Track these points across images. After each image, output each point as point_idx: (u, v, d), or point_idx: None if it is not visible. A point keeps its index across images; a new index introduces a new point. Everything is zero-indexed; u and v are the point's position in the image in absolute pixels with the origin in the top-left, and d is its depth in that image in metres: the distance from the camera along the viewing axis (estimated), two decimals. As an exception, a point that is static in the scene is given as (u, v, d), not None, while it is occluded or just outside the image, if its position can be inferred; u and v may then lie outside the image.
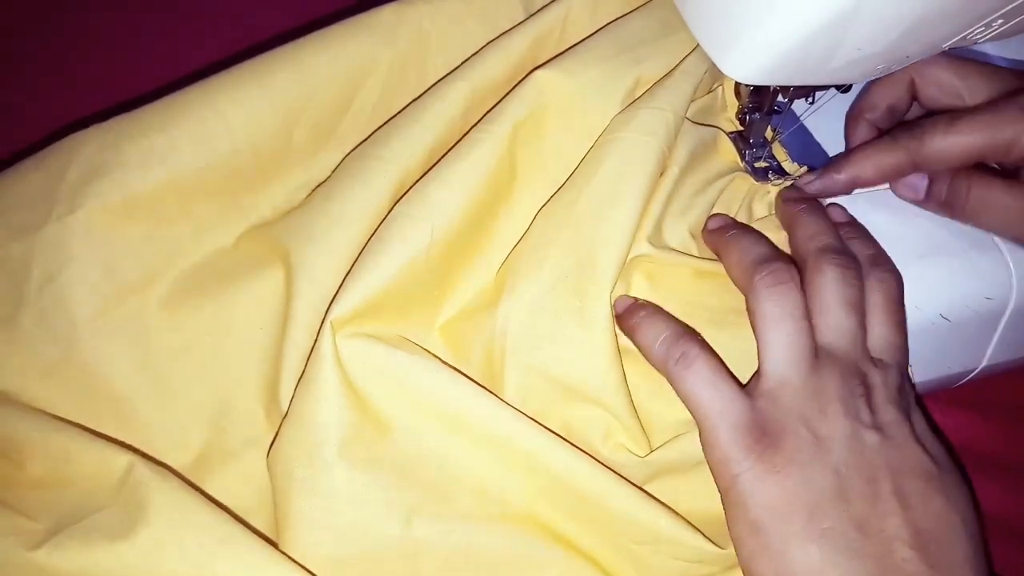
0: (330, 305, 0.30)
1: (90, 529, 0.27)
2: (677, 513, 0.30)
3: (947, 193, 0.35)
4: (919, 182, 0.35)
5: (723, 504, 0.29)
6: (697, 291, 0.34)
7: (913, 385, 0.32)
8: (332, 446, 0.29)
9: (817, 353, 0.30)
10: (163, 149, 0.32)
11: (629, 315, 0.32)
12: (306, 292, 0.31)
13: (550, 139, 0.34)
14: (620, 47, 0.35)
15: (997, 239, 0.37)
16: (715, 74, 0.36)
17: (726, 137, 0.37)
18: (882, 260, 0.33)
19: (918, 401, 0.32)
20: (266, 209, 0.35)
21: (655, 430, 0.32)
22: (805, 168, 0.37)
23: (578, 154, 0.34)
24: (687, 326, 0.31)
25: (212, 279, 0.33)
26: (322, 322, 0.29)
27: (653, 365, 0.31)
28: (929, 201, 0.35)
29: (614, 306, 0.32)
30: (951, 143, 0.33)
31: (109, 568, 0.26)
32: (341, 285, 0.30)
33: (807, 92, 0.38)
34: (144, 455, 0.30)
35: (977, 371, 0.40)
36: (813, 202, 0.35)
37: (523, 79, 0.34)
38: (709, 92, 0.38)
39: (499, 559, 0.30)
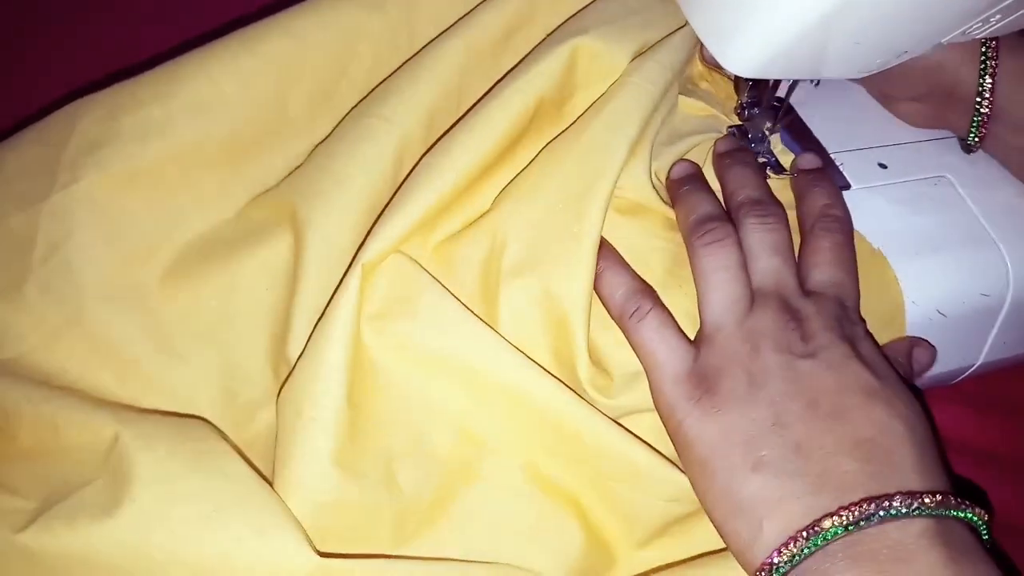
0: (359, 249, 0.30)
1: (76, 507, 0.27)
2: (653, 448, 0.31)
3: None
4: None
5: (675, 450, 0.30)
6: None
7: (862, 319, 0.32)
8: (341, 388, 0.29)
9: (753, 299, 0.31)
10: (160, 120, 0.32)
11: (597, 264, 0.33)
12: (315, 247, 0.31)
13: (567, 90, 0.35)
14: (629, 11, 0.36)
15: (994, 235, 0.37)
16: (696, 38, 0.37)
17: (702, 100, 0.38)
18: (833, 209, 0.34)
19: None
20: (267, 178, 0.35)
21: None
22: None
23: (588, 102, 0.35)
24: (643, 282, 0.32)
25: (217, 245, 0.33)
26: (349, 265, 0.30)
27: (610, 315, 0.32)
28: None
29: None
30: None
31: (96, 547, 0.26)
32: (372, 228, 0.31)
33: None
34: (147, 411, 0.30)
35: (974, 368, 0.40)
36: (741, 154, 0.36)
37: (550, 38, 0.35)
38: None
39: (476, 507, 0.31)
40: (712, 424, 0.29)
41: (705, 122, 0.38)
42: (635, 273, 0.32)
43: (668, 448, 0.31)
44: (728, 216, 0.33)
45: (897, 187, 0.38)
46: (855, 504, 0.26)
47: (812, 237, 0.33)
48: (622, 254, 0.33)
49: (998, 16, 0.31)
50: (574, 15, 0.36)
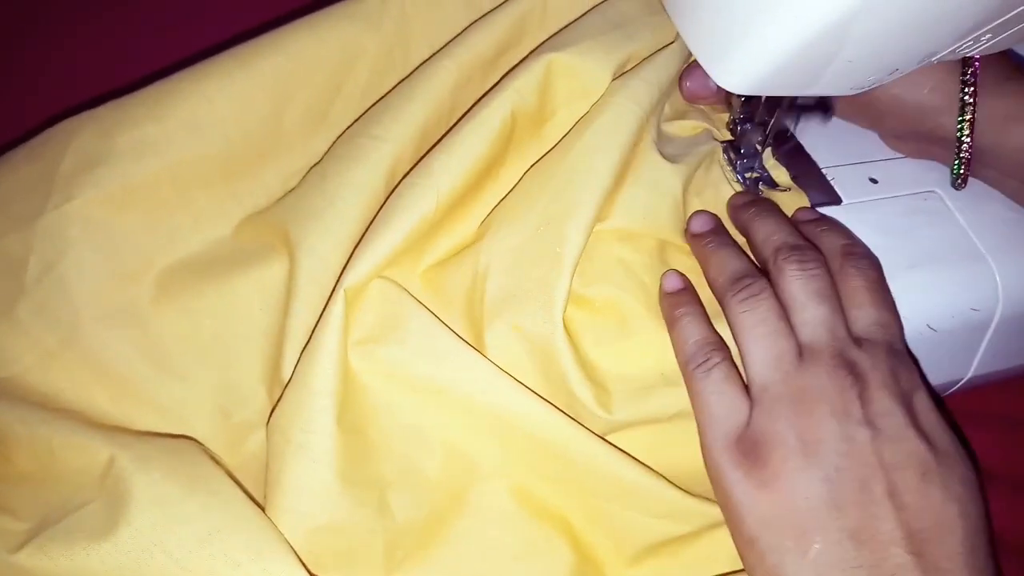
0: (342, 274, 0.30)
1: (72, 529, 0.27)
2: (644, 464, 0.31)
3: None
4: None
5: (723, 514, 0.29)
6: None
7: (914, 358, 0.32)
8: (330, 413, 0.29)
9: (801, 353, 0.30)
10: (155, 138, 0.32)
11: (674, 305, 0.32)
12: (307, 267, 0.31)
13: (548, 108, 0.35)
14: (612, 24, 0.36)
15: (984, 250, 0.38)
16: (684, 54, 0.37)
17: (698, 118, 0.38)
18: (855, 247, 0.33)
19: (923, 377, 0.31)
20: (262, 197, 0.35)
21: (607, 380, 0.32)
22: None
23: (571, 120, 0.35)
24: (718, 336, 0.31)
25: (212, 265, 0.33)
26: (333, 289, 0.30)
27: (677, 360, 0.31)
28: None
29: (663, 281, 0.33)
30: None
31: (93, 569, 0.26)
32: (354, 253, 0.31)
33: (793, 113, 0.39)
34: (142, 433, 0.30)
35: (963, 382, 0.40)
36: (763, 202, 0.35)
37: (531, 55, 0.35)
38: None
39: (466, 532, 0.31)
40: (762, 499, 0.28)
41: (698, 139, 0.38)
42: (711, 326, 0.32)
43: (665, 463, 0.31)
44: (758, 269, 0.32)
45: (888, 202, 0.39)
46: None
47: (845, 277, 0.32)
48: (614, 269, 0.33)
49: (989, 35, 0.31)
50: (561, 29, 0.36)
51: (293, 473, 0.28)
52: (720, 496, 0.29)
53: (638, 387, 0.31)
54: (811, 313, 0.30)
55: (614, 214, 0.33)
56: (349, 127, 0.35)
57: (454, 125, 0.34)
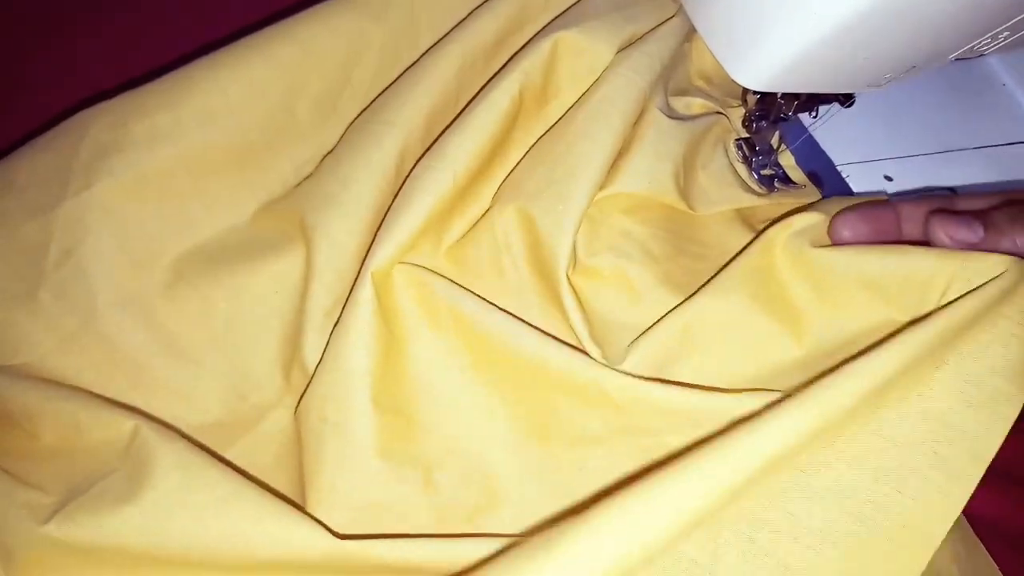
0: (366, 257, 0.31)
1: (97, 496, 0.27)
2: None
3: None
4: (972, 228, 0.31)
5: None
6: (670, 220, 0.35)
7: None
8: (366, 392, 0.29)
9: None
10: (169, 126, 0.33)
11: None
12: (325, 251, 0.32)
13: (552, 87, 0.36)
14: (614, 6, 0.36)
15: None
16: (683, 31, 0.37)
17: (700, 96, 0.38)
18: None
19: None
20: (276, 184, 0.35)
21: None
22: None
23: (575, 99, 0.35)
24: None
25: (226, 252, 0.34)
26: (358, 273, 0.31)
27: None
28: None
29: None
30: None
31: (118, 532, 0.27)
32: (377, 236, 0.31)
33: (811, 106, 0.39)
34: (160, 421, 0.30)
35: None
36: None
37: (536, 36, 0.35)
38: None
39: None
40: None
41: (704, 117, 0.38)
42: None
43: None
44: None
45: (902, 199, 0.39)
46: None
47: None
48: (620, 241, 0.33)
49: (1006, 33, 0.32)
50: (562, 13, 0.37)
51: (331, 453, 0.29)
52: None
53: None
54: None
55: (618, 180, 0.34)
56: (359, 115, 0.36)
57: (463, 108, 0.35)
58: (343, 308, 0.31)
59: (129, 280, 0.32)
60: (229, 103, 0.33)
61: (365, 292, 0.30)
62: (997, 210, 0.32)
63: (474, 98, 0.35)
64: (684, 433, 0.30)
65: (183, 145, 0.33)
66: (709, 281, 0.33)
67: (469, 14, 0.36)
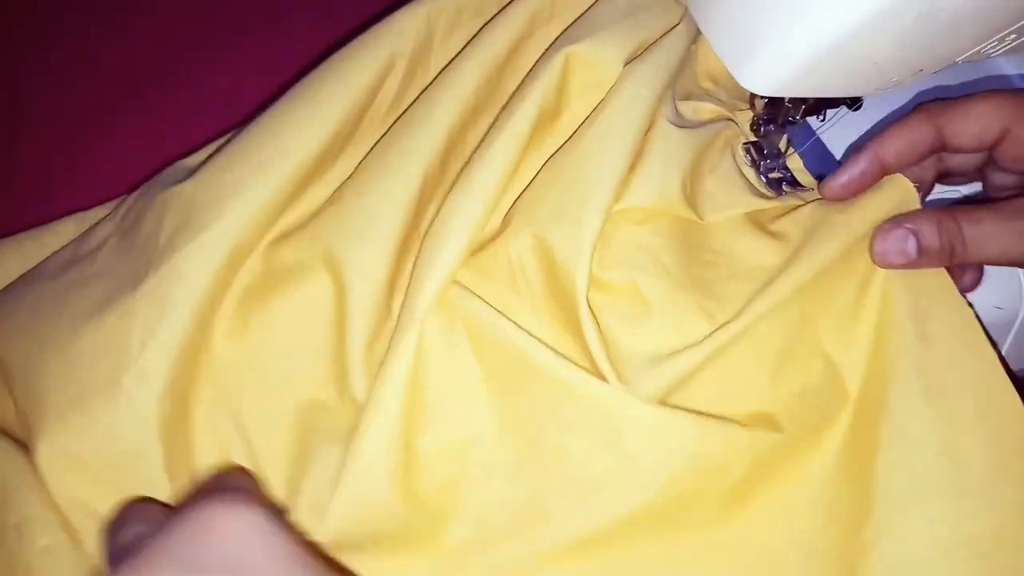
0: (407, 297, 0.32)
1: None
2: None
3: (940, 240, 0.32)
4: (907, 242, 0.33)
5: None
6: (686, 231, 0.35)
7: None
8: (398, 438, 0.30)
9: None
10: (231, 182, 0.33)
11: None
12: (357, 286, 0.32)
13: (563, 101, 0.36)
14: (622, 14, 0.36)
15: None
16: (691, 35, 0.37)
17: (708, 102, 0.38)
18: None
19: None
20: (290, 214, 0.35)
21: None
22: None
23: (586, 112, 0.35)
24: None
25: (256, 289, 0.34)
26: (404, 316, 0.31)
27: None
28: (924, 256, 0.33)
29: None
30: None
31: None
32: (414, 278, 0.32)
33: (818, 110, 0.39)
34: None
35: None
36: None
37: (547, 52, 0.35)
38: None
39: None
40: None
41: (713, 122, 0.38)
42: None
43: None
44: None
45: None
46: None
47: None
48: (633, 254, 0.33)
49: (1013, 36, 0.32)
50: (570, 25, 0.37)
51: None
52: None
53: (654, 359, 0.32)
54: None
55: (628, 194, 0.33)
56: (379, 140, 0.36)
57: (489, 130, 0.35)
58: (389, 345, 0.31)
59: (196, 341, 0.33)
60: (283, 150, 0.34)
61: (410, 342, 0.31)
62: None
63: (496, 120, 0.35)
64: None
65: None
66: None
67: (479, 30, 0.37)
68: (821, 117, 0.39)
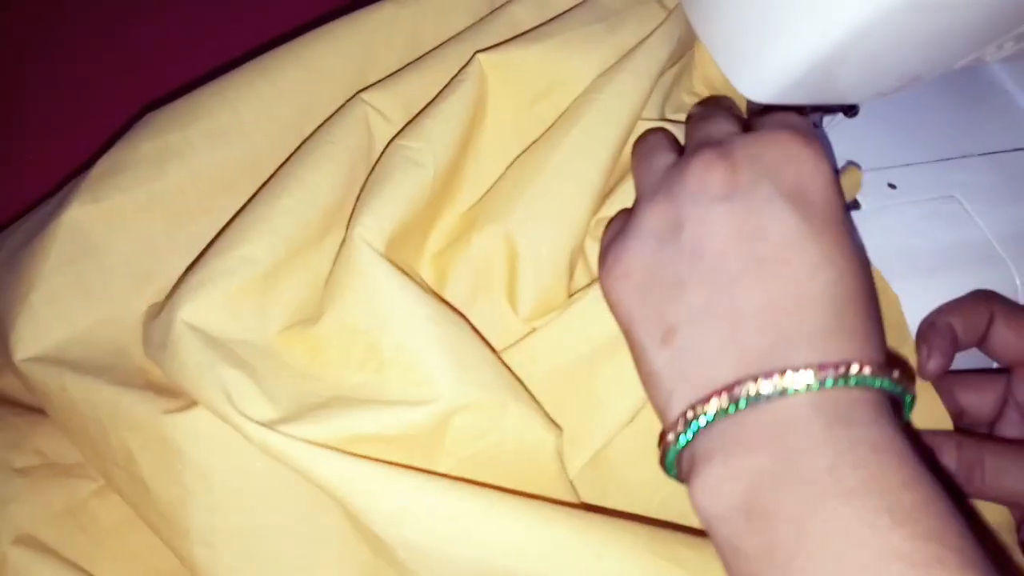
0: (352, 220, 0.30)
1: None
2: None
3: (959, 469, 0.31)
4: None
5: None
6: None
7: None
8: None
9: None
10: (179, 144, 0.33)
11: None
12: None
13: (524, 99, 0.35)
14: (597, 16, 0.36)
15: (1003, 253, 0.38)
16: (686, 44, 0.37)
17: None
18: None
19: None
20: None
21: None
22: None
23: (553, 114, 0.35)
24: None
25: None
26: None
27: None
28: None
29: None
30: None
31: None
32: (359, 202, 0.31)
33: (815, 116, 0.39)
34: None
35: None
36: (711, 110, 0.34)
37: (495, 46, 0.35)
38: (675, 64, 0.38)
39: None
40: (623, 291, 0.28)
41: None
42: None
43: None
44: None
45: (907, 207, 0.39)
46: (729, 387, 0.24)
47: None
48: None
49: (1011, 42, 0.32)
50: (545, 23, 0.36)
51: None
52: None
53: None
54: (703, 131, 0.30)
55: (606, 205, 0.33)
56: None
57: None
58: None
59: (133, 297, 0.33)
60: (239, 122, 0.33)
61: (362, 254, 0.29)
62: None
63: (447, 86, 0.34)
64: None
65: (193, 163, 0.33)
66: None
67: (466, 28, 0.36)
68: (817, 123, 0.38)
